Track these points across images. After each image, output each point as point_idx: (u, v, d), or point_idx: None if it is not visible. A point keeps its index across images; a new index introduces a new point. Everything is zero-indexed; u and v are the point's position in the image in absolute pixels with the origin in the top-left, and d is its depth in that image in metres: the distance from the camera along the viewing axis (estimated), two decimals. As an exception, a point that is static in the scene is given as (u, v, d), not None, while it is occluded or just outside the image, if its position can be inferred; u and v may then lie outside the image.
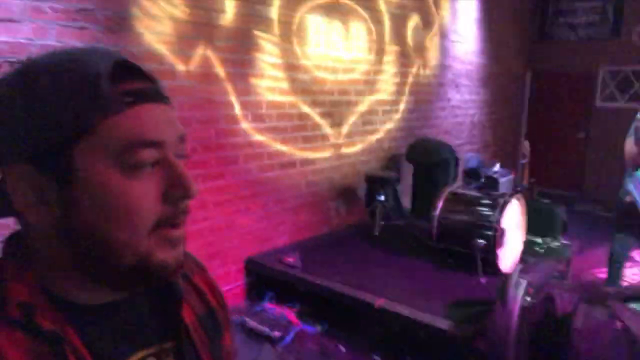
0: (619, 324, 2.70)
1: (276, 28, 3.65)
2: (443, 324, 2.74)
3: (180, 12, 3.02)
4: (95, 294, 0.59)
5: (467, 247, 3.38)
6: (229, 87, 3.37)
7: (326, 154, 4.33)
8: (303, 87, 3.96)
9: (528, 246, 4.06)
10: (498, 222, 3.31)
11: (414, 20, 5.19)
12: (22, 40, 2.36)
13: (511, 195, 3.51)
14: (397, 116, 5.20)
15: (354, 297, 3.08)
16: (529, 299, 2.59)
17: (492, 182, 6.28)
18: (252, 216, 3.71)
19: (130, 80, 0.56)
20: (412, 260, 3.72)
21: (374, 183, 4.42)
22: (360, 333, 3.13)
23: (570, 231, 5.90)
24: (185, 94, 3.11)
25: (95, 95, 0.53)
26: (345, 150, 4.54)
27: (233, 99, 3.41)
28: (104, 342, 0.57)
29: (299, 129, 4.00)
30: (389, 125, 5.09)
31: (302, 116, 4.01)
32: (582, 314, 2.82)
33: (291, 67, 3.83)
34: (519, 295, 2.53)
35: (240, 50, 3.41)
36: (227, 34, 3.31)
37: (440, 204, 3.61)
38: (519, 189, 6.28)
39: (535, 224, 4.38)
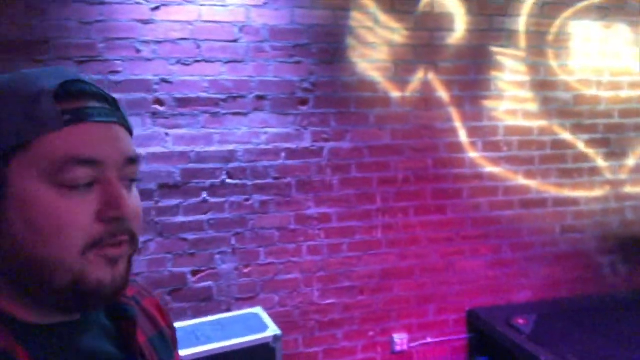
0: None
1: (522, 41, 3.06)
2: None
3: (400, 36, 2.88)
4: (44, 314, 0.59)
5: None
6: (453, 112, 3.01)
7: (597, 193, 3.35)
8: (561, 108, 3.19)
9: None
10: None
11: None
12: (244, 78, 2.69)
13: None
14: None
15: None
16: None
17: None
18: (479, 260, 3.19)
19: (77, 99, 0.56)
20: None
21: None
22: None
23: None
24: (399, 121, 2.93)
25: (33, 111, 0.54)
26: (630, 189, 3.42)
27: (458, 124, 3.02)
28: None
29: (552, 159, 3.23)
30: None
31: (559, 144, 3.23)
32: None
33: (543, 84, 3.14)
34: None
35: (470, 71, 3.00)
36: (454, 54, 2.97)
37: None
38: None
39: None
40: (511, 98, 3.10)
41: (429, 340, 3.14)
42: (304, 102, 2.77)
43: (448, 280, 3.15)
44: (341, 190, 2.91)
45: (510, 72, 3.07)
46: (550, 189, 3.26)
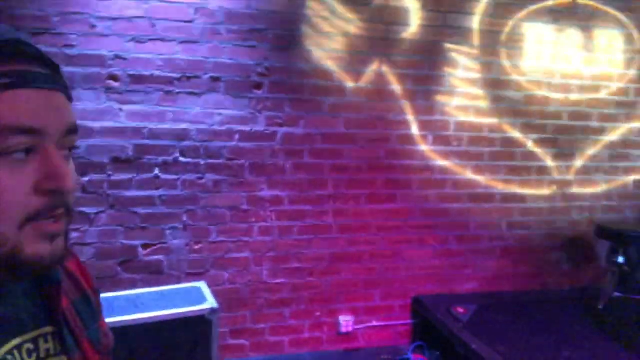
0: None
1: (476, 39, 3.17)
2: None
3: (355, 27, 2.97)
4: None
5: None
6: (405, 105, 3.10)
7: (544, 191, 3.48)
8: (511, 107, 3.31)
9: None
10: None
11: None
12: (199, 59, 2.75)
13: None
14: (679, 153, 3.76)
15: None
16: None
17: None
18: (426, 250, 3.29)
19: (16, 62, 0.52)
20: (626, 355, 2.59)
21: (609, 238, 3.30)
22: None
23: None
24: (353, 111, 3.02)
25: None
26: (577, 190, 3.55)
27: (410, 117, 3.12)
28: None
29: (501, 157, 3.34)
30: (661, 164, 3.73)
31: (508, 142, 3.34)
32: None
33: (495, 83, 3.25)
34: None
35: (423, 66, 3.10)
36: (408, 48, 3.06)
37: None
38: None
39: None
40: (463, 95, 3.20)
41: (374, 323, 3.24)
42: (258, 86, 2.85)
43: (395, 267, 3.25)
44: (294, 174, 2.99)
45: (463, 69, 3.17)
46: (499, 185, 3.37)
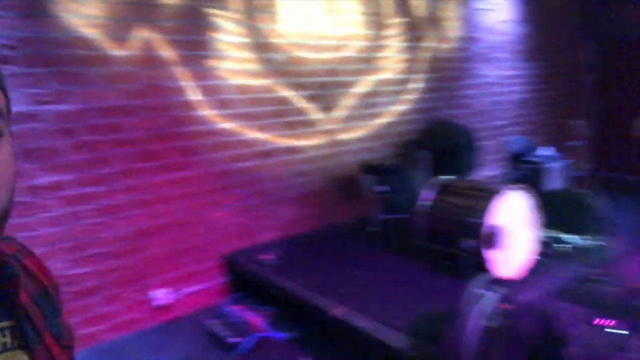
0: (619, 355, 2.05)
1: (233, 4, 3.38)
2: (401, 342, 2.26)
3: (114, -6, 2.87)
4: None
5: (456, 247, 2.85)
6: (179, 72, 3.15)
7: (317, 141, 3.96)
8: (279, 68, 3.65)
9: (552, 247, 3.37)
10: (486, 218, 2.73)
11: (422, -11, 4.66)
12: None
13: (507, 187, 2.90)
14: (411, 97, 4.68)
15: (313, 303, 2.69)
16: (495, 316, 2.04)
17: (538, 168, 5.51)
18: (226, 210, 3.44)
19: None
20: (400, 262, 3.23)
21: (372, 173, 3.97)
22: (327, 344, 2.72)
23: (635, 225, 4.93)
24: (125, 81, 2.94)
25: None
26: (341, 136, 4.14)
27: (186, 83, 3.19)
28: None
29: (278, 114, 3.68)
30: (400, 108, 4.60)
31: (282, 100, 3.69)
32: (581, 339, 2.20)
33: (260, 46, 3.54)
34: (476, 311, 1.99)
35: (190, 31, 3.19)
36: (172, 14, 3.10)
37: (427, 196, 3.10)
38: (573, 175, 5.44)
39: (569, 219, 3.67)
40: (234, 59, 3.40)
41: (189, 289, 3.28)
42: (7, 60, 2.54)
43: (200, 232, 3.32)
44: (73, 155, 2.78)
45: (228, 34, 3.36)
46: (279, 141, 3.71)
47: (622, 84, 6.91)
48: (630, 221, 5.20)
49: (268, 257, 3.32)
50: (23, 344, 0.62)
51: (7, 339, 0.61)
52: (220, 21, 3.30)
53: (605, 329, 2.36)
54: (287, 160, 3.76)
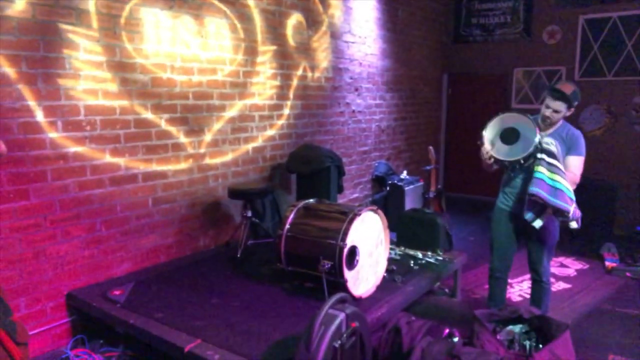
0: None
1: (94, 21, 3.12)
2: None
3: (-61, -2, 2.46)
4: None
5: (316, 269, 2.93)
6: (24, 90, 2.81)
7: (182, 165, 3.81)
8: (140, 89, 3.44)
9: (404, 262, 3.66)
10: (344, 239, 2.87)
11: (295, 18, 4.76)
12: None
13: (362, 208, 3.08)
14: (281, 122, 4.75)
15: (164, 339, 2.56)
16: (345, 336, 2.14)
17: (397, 190, 5.94)
18: (73, 242, 3.14)
19: None
20: (264, 288, 3.24)
21: (240, 197, 3.94)
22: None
23: (480, 240, 5.60)
24: (-50, 98, 2.54)
25: None
26: (209, 161, 4.04)
27: (32, 103, 2.86)
28: None
29: (138, 137, 3.47)
30: (270, 132, 4.63)
31: (142, 123, 3.48)
32: (419, 351, 2.40)
33: (121, 66, 3.30)
34: (328, 333, 2.07)
35: (40, 47, 2.86)
36: (18, 28, 2.76)
37: (289, 219, 3.16)
38: (426, 196, 5.96)
39: (417, 237, 4.02)
40: (89, 77, 3.13)
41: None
42: None
43: (40, 268, 2.98)
44: None
45: (85, 52, 3.08)
46: (139, 165, 3.50)
47: (469, 113, 7.77)
48: (471, 237, 5.87)
49: (119, 292, 3.10)
50: None
51: None
52: (77, 38, 3.02)
53: (447, 339, 2.60)
54: (147, 186, 3.56)
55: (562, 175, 2.82)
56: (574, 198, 2.85)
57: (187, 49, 3.74)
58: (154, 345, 2.63)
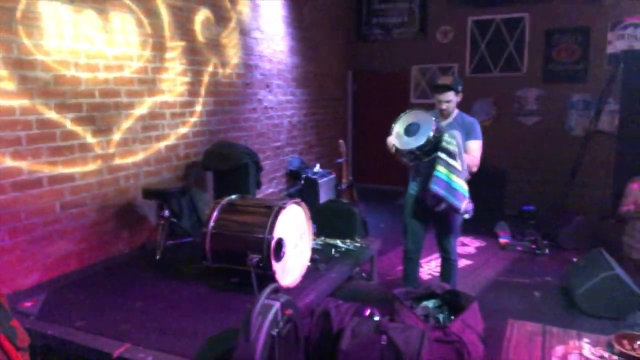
0: (384, 338, 2.46)
1: (-15, 13, 2.87)
2: None
3: None
4: None
5: (243, 264, 2.97)
6: None
7: (90, 167, 3.62)
8: (42, 88, 3.22)
9: (325, 251, 3.81)
10: (270, 232, 2.94)
11: (203, 14, 4.70)
12: None
13: (286, 202, 3.17)
14: (194, 119, 4.67)
15: (90, 347, 2.46)
16: (281, 323, 2.22)
17: (311, 183, 6.10)
18: (-29, 254, 2.88)
19: None
20: (187, 287, 3.21)
21: (155, 197, 3.83)
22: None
23: (391, 227, 5.96)
24: None
25: None
26: (119, 161, 3.87)
27: None
28: None
29: (41, 139, 3.24)
30: (183, 130, 4.54)
31: (45, 123, 3.26)
32: (350, 331, 2.54)
33: (19, 63, 3.07)
34: (265, 322, 2.14)
35: None
36: None
37: (213, 216, 3.15)
38: (338, 188, 6.18)
39: (335, 226, 4.19)
40: (-18, 75, 2.88)
41: None
42: None
43: None
44: None
45: (-24, 46, 2.83)
46: (44, 168, 3.28)
47: (374, 108, 8.16)
48: (383, 224, 6.21)
49: (30, 304, 2.90)
50: None
51: None
52: (-38, 30, 2.76)
53: (371, 317, 2.77)
54: (53, 191, 3.34)
55: (457, 174, 3.14)
56: (467, 195, 3.19)
57: (92, 45, 3.56)
58: (79, 355, 2.51)
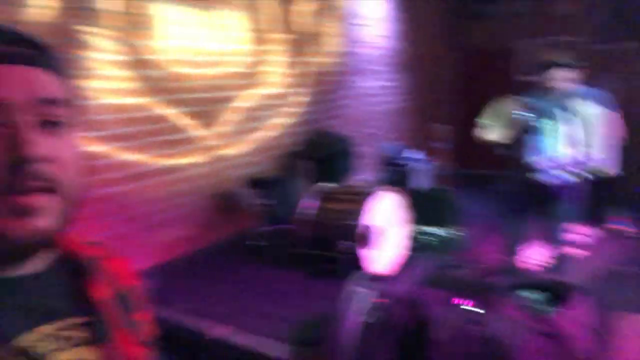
0: (478, 329, 2.37)
1: (107, 21, 3.16)
2: (281, 351, 2.35)
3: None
4: None
5: (337, 250, 3.01)
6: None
7: (197, 158, 3.88)
8: (157, 85, 3.49)
9: (419, 240, 3.72)
10: (364, 219, 2.93)
11: (302, 5, 4.75)
12: None
13: (380, 189, 3.13)
14: (294, 110, 4.78)
15: (188, 327, 2.66)
16: (373, 311, 2.22)
17: (408, 170, 5.98)
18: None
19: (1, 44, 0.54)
20: (283, 273, 3.33)
21: (256, 186, 4.01)
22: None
23: (490, 214, 5.63)
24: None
25: None
26: (224, 152, 4.10)
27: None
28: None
29: (155, 133, 3.53)
30: (282, 121, 4.67)
31: (159, 119, 3.54)
32: (443, 321, 2.48)
33: (137, 64, 3.35)
34: (358, 309, 2.15)
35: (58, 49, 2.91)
36: (33, 32, 2.80)
37: (308, 203, 3.22)
38: (438, 174, 6.00)
39: (431, 214, 4.07)
40: (106, 77, 3.18)
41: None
42: None
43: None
44: None
45: (99, 51, 3.13)
46: (155, 161, 3.56)
47: (482, 91, 7.72)
48: (482, 211, 5.91)
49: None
50: (96, 340, 0.64)
51: (80, 334, 0.62)
52: (90, 38, 3.06)
53: (465, 308, 2.69)
54: (164, 181, 3.63)
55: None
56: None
57: (198, 43, 3.78)
58: (177, 336, 2.74)
